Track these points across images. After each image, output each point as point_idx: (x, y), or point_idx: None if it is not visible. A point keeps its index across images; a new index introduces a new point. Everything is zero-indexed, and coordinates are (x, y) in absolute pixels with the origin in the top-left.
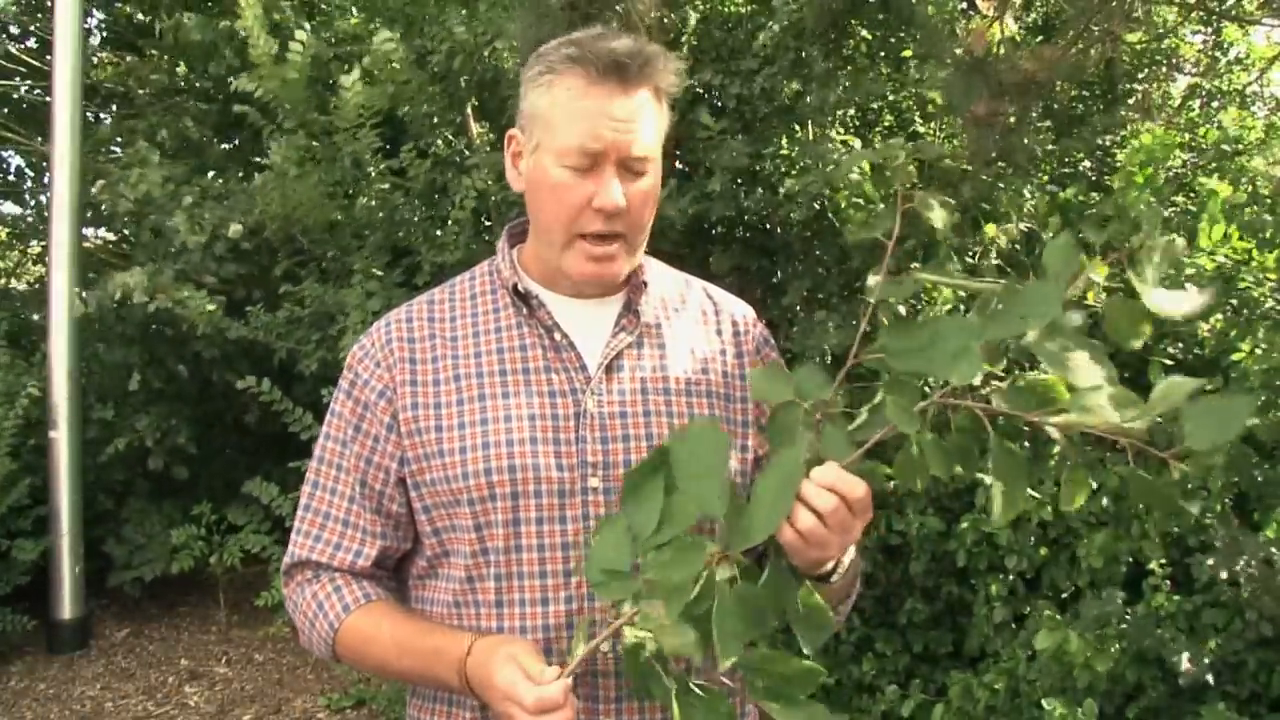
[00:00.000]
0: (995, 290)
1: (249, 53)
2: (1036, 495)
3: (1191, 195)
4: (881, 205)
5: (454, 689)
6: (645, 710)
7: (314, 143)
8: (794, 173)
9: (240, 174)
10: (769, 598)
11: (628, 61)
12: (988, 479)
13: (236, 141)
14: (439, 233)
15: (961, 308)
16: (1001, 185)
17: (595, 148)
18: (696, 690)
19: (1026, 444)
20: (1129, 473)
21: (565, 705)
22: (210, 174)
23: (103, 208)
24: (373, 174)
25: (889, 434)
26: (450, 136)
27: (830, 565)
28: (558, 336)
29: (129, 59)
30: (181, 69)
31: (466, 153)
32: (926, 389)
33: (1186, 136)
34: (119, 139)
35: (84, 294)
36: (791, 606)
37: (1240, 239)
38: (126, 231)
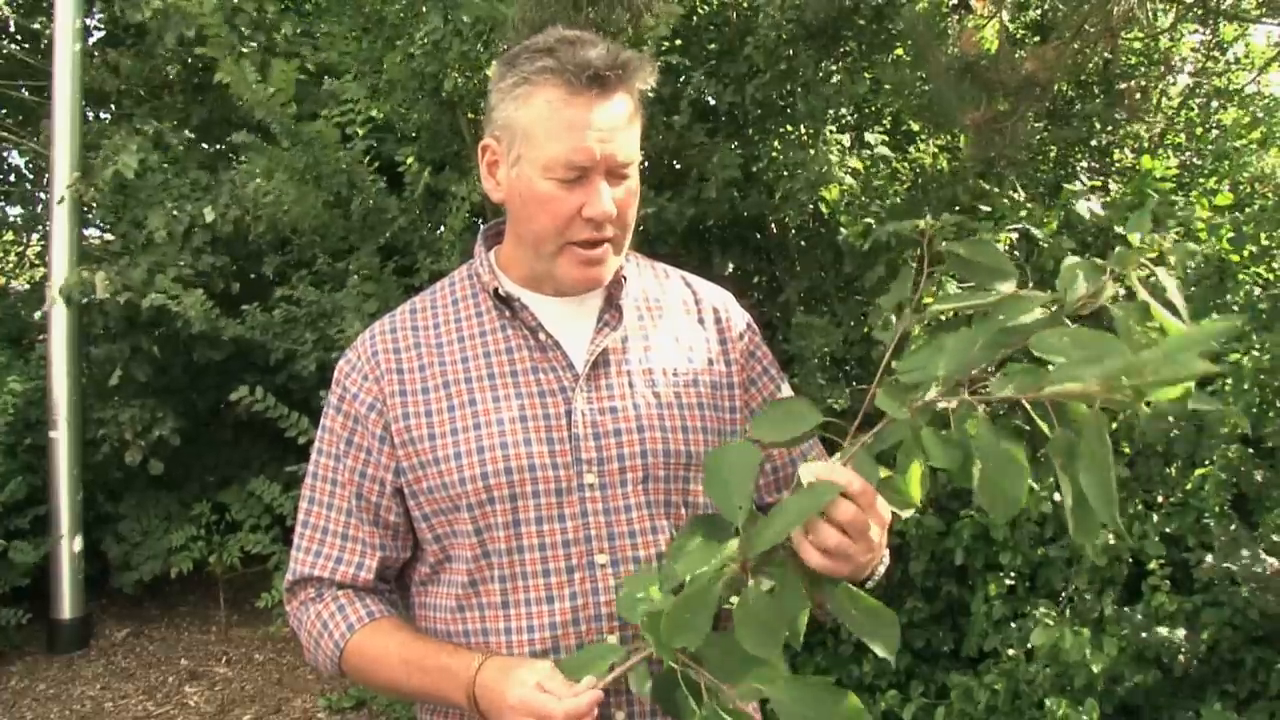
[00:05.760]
0: (997, 301)
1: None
2: (1034, 485)
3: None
4: (879, 210)
5: (463, 709)
6: (655, 702)
7: (293, 149)
8: (786, 174)
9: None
10: (775, 612)
11: (607, 73)
12: (975, 474)
13: (220, 147)
14: (440, 231)
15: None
16: (997, 189)
17: (583, 162)
18: (721, 714)
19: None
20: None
21: (590, 717)
22: (195, 170)
23: (82, 200)
24: (367, 180)
25: (894, 438)
26: (446, 139)
27: (866, 573)
28: (542, 337)
29: (110, 52)
30: (164, 47)
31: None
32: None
33: (1183, 137)
34: (106, 138)
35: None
36: (800, 624)
37: (1228, 246)
38: (105, 224)
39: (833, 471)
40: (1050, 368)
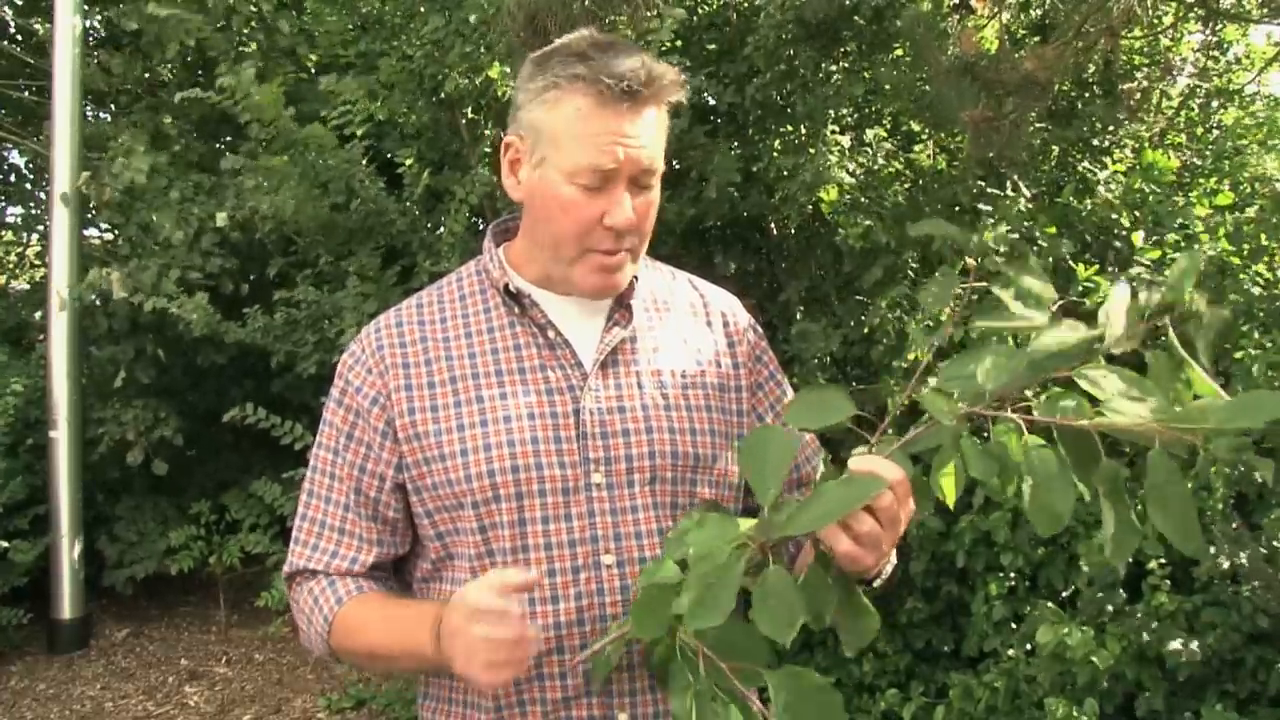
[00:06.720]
0: (1040, 326)
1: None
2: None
3: (1188, 195)
4: (879, 211)
5: (427, 655)
6: (659, 702)
7: (295, 154)
8: (786, 175)
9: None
10: (804, 599)
11: (639, 87)
12: (1026, 490)
13: (220, 145)
14: (439, 232)
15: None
16: (997, 189)
17: (609, 167)
18: (720, 695)
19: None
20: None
21: (510, 611)
22: (196, 173)
23: (90, 203)
24: (366, 182)
25: (930, 442)
26: (446, 138)
27: (874, 570)
28: (551, 334)
29: (103, 52)
30: (162, 54)
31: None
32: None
33: (1183, 137)
34: (109, 138)
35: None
36: (825, 613)
37: (1228, 246)
38: (111, 225)
39: (877, 464)
40: (1089, 400)
